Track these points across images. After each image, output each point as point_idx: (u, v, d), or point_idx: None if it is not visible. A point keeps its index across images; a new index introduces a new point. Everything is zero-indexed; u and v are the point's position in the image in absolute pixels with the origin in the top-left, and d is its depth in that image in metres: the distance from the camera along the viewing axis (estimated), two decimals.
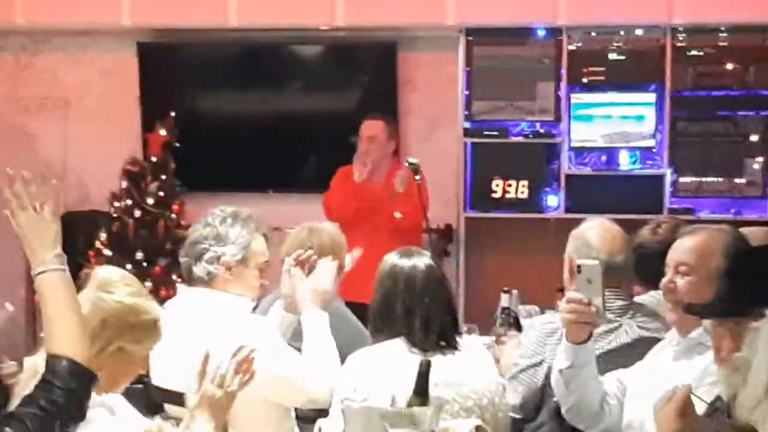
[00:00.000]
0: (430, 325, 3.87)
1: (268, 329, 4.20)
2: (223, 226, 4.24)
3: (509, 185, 8.33)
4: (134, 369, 3.35)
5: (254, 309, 4.47)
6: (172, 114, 8.48)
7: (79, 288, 3.16)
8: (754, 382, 2.61)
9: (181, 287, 4.25)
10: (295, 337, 4.36)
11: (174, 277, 7.72)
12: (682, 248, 3.76)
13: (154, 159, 8.43)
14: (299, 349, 4.22)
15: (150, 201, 8.30)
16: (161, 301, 4.32)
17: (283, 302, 4.47)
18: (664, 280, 3.79)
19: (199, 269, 4.22)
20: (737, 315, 3.03)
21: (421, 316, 3.87)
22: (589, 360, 3.73)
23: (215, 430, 3.34)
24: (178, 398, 3.97)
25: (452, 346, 3.89)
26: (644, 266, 4.59)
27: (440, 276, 4.05)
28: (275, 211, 8.26)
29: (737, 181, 8.16)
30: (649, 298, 4.72)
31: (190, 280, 4.27)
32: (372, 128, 7.39)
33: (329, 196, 7.30)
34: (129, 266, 7.94)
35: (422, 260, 4.00)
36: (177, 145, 8.48)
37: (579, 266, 3.67)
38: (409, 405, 3.39)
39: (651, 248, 4.77)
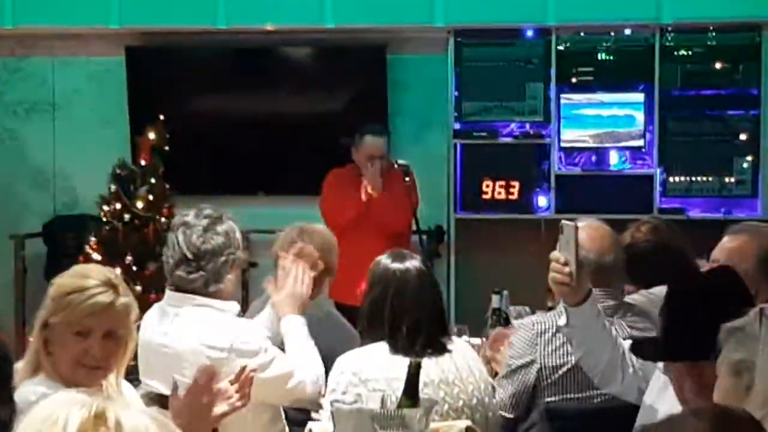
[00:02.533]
0: (417, 333, 3.85)
1: (256, 332, 4.18)
2: (222, 225, 4.17)
3: (499, 186, 8.34)
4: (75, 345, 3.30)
5: (245, 312, 4.45)
6: (161, 117, 8.46)
7: None
8: (762, 385, 2.58)
9: (169, 292, 4.21)
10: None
11: (166, 281, 7.69)
12: (721, 246, 3.80)
13: (143, 162, 8.39)
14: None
15: (139, 204, 8.26)
16: (150, 305, 4.31)
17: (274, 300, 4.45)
18: None
19: (220, 283, 4.14)
20: (688, 359, 3.01)
21: (409, 323, 3.86)
22: (586, 323, 3.70)
23: None
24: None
25: (439, 350, 3.88)
26: (635, 266, 4.59)
27: (431, 280, 4.05)
28: (265, 213, 8.29)
29: (727, 180, 8.17)
30: (640, 297, 4.72)
31: (186, 290, 4.18)
32: (380, 147, 7.20)
33: (330, 203, 7.14)
34: (119, 270, 7.93)
35: (414, 263, 3.99)
36: (166, 148, 8.45)
37: (561, 226, 3.69)
38: (399, 406, 3.38)
39: (641, 248, 4.78)
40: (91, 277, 3.31)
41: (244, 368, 3.40)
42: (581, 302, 3.67)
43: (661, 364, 3.58)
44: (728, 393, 2.65)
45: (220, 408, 3.29)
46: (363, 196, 7.01)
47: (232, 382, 3.34)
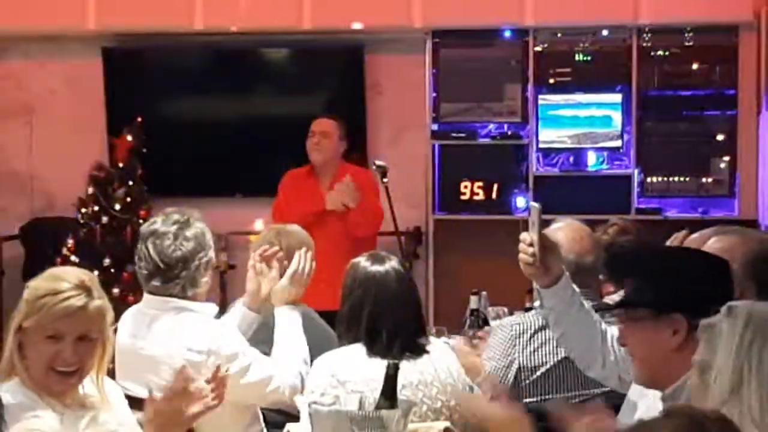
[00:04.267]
0: (395, 336, 3.85)
1: (234, 335, 4.17)
2: (191, 229, 4.16)
3: (478, 187, 8.35)
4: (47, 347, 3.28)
5: (222, 313, 4.44)
6: (139, 119, 8.45)
7: None
8: (719, 383, 2.60)
9: (147, 296, 4.19)
10: (255, 336, 4.33)
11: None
12: (707, 247, 3.80)
13: (120, 164, 8.39)
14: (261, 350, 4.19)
15: (117, 207, 8.26)
16: (128, 307, 4.29)
17: (246, 298, 4.44)
18: None
19: (196, 287, 4.13)
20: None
21: (388, 326, 3.85)
22: (560, 304, 3.70)
23: None
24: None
25: (418, 352, 3.88)
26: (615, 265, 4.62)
27: (410, 282, 4.05)
28: (243, 215, 8.29)
29: (704, 180, 8.19)
30: (619, 297, 4.73)
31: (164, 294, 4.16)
32: (324, 124, 7.24)
33: (283, 208, 7.02)
34: (97, 272, 7.91)
35: (393, 265, 3.99)
36: (144, 150, 8.44)
37: (530, 207, 3.73)
38: (377, 408, 3.38)
39: (626, 245, 4.83)
40: (65, 280, 3.28)
41: (218, 369, 3.39)
42: (552, 284, 3.68)
43: None
44: (696, 392, 2.68)
45: (195, 408, 3.27)
46: (328, 206, 6.94)
47: (207, 382, 3.33)
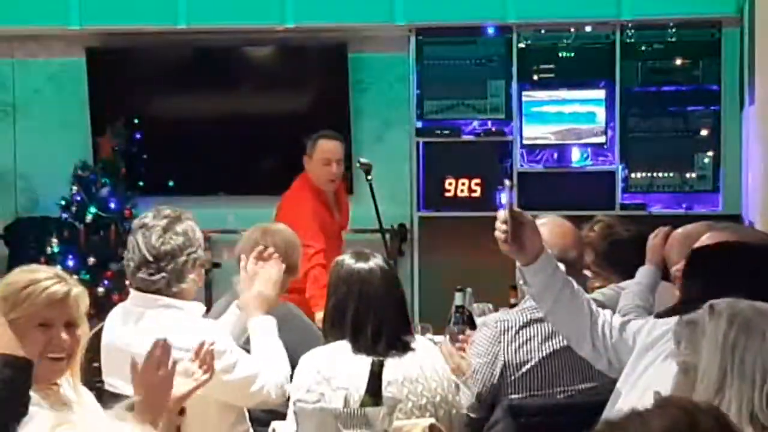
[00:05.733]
0: (380, 334, 3.85)
1: (221, 333, 4.16)
2: (181, 225, 4.16)
3: (462, 184, 8.36)
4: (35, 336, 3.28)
5: (208, 312, 4.44)
6: (123, 118, 8.43)
7: None
8: (705, 383, 2.60)
9: (133, 293, 4.19)
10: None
11: (127, 282, 7.66)
12: (701, 242, 3.81)
13: (104, 163, 8.38)
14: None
15: (101, 206, 8.24)
16: (113, 305, 4.29)
17: (240, 301, 4.44)
18: (674, 268, 3.87)
19: (182, 283, 4.12)
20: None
21: (372, 324, 3.85)
22: (541, 282, 3.72)
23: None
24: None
25: (403, 349, 3.88)
26: (618, 256, 4.71)
27: (395, 280, 4.04)
28: (228, 213, 8.28)
29: (688, 176, 8.22)
30: (610, 292, 4.76)
31: (149, 291, 4.16)
32: (339, 150, 6.72)
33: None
34: (82, 272, 7.90)
35: (377, 263, 3.98)
36: (127, 149, 8.43)
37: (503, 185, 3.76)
38: (363, 405, 3.38)
39: (624, 237, 4.90)
40: (39, 271, 3.33)
41: (202, 344, 3.39)
42: (531, 261, 3.69)
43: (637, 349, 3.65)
44: (680, 390, 2.67)
45: (186, 386, 3.28)
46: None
47: (193, 360, 3.34)
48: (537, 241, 3.69)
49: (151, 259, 4.06)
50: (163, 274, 4.06)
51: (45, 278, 3.29)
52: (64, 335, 3.28)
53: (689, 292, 3.44)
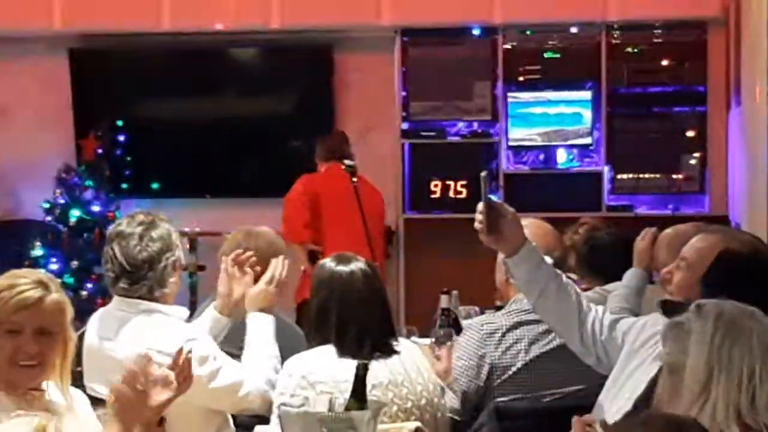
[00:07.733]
0: (364, 337, 3.82)
1: (205, 338, 4.13)
2: (157, 230, 4.13)
3: (448, 186, 8.34)
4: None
5: (192, 315, 4.41)
6: (106, 120, 8.40)
7: None
8: (690, 382, 2.59)
9: (116, 297, 4.16)
10: (227, 341, 4.30)
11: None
12: (691, 244, 3.81)
13: (88, 166, 8.35)
14: (232, 354, 4.15)
15: (85, 208, 8.21)
16: (97, 309, 4.25)
17: (217, 302, 4.41)
18: (664, 270, 3.86)
19: (164, 287, 4.09)
20: None
21: (356, 327, 3.83)
22: (525, 273, 3.75)
23: None
24: None
25: (387, 352, 3.85)
26: (598, 260, 4.68)
27: (377, 282, 4.01)
28: (213, 215, 8.25)
29: (675, 177, 8.21)
30: (594, 295, 4.74)
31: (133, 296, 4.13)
32: None
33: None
34: (66, 275, 7.86)
35: (359, 265, 3.95)
36: (111, 151, 8.39)
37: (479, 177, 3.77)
38: (347, 409, 3.35)
39: (604, 241, 4.88)
40: (23, 276, 3.29)
41: (180, 351, 3.35)
42: (514, 253, 3.71)
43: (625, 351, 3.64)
44: (666, 392, 2.66)
45: (164, 395, 3.22)
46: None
47: (170, 368, 3.29)
48: (518, 232, 3.73)
49: (130, 268, 4.03)
50: (144, 281, 4.04)
51: (23, 283, 3.25)
52: (33, 342, 3.23)
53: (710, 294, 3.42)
